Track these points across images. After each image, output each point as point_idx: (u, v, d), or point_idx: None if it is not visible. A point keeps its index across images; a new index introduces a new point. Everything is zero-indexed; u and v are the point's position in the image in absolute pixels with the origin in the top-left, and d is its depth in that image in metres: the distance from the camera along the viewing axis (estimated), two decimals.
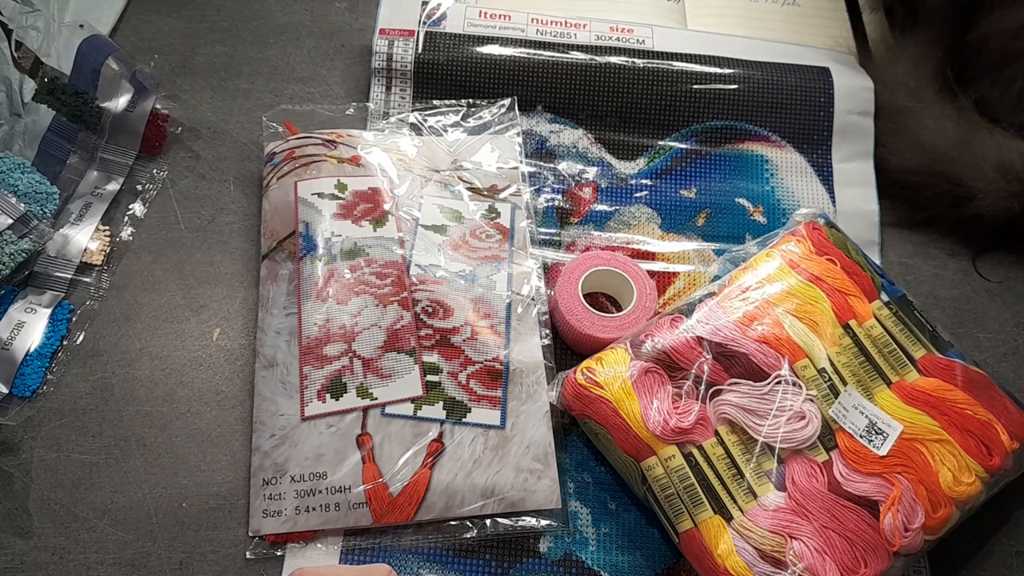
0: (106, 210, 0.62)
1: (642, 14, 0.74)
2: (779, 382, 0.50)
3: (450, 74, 0.67)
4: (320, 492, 0.50)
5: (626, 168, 0.67)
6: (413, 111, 0.67)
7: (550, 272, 0.61)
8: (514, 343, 0.56)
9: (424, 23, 0.69)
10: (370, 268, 0.57)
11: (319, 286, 0.56)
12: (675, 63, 0.68)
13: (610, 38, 0.70)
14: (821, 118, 0.68)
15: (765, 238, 0.59)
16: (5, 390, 0.54)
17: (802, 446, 0.49)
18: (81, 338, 0.57)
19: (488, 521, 0.51)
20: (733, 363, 0.51)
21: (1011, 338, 0.62)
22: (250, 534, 0.50)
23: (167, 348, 0.57)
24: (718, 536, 0.47)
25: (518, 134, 0.66)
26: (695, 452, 0.49)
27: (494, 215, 0.62)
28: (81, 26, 0.62)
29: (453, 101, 0.67)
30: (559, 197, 0.65)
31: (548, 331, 0.57)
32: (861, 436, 0.49)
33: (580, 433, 0.55)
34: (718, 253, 0.63)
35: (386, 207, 0.60)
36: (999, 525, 0.54)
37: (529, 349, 0.56)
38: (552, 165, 0.66)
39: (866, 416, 0.49)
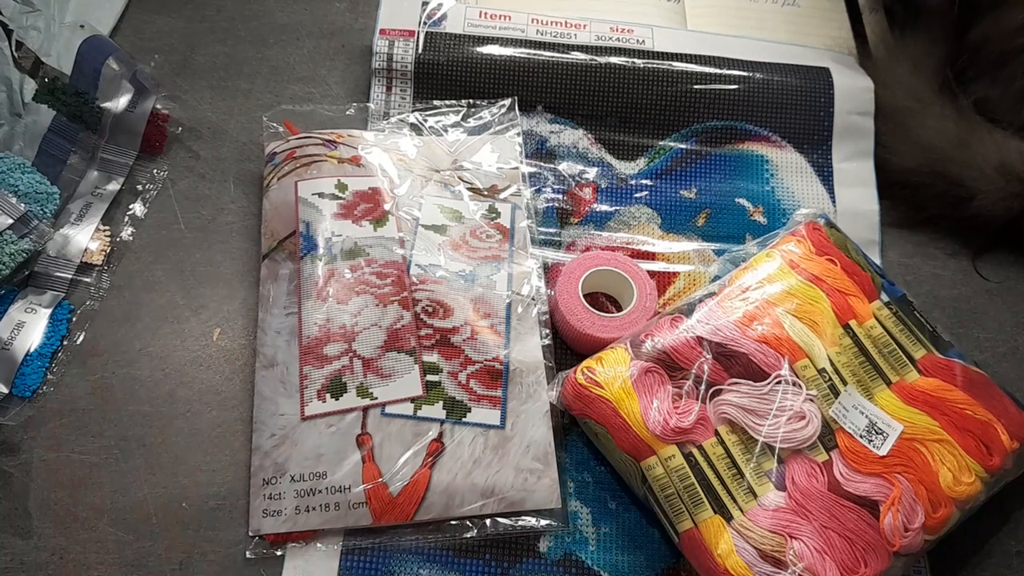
0: (106, 210, 0.62)
1: (642, 14, 0.74)
2: (779, 382, 0.50)
3: (450, 74, 0.67)
4: (320, 492, 0.50)
5: (626, 168, 0.67)
6: (413, 111, 0.67)
7: (550, 272, 0.61)
8: (514, 343, 0.56)
9: (424, 23, 0.69)
10: (370, 268, 0.57)
11: (319, 286, 0.56)
12: (675, 63, 0.68)
13: (610, 38, 0.70)
14: (821, 118, 0.68)
15: (765, 238, 0.59)
16: (5, 390, 0.54)
17: (802, 446, 0.49)
18: (81, 338, 0.57)
19: (488, 521, 0.51)
20: (733, 363, 0.51)
21: (1011, 338, 0.62)
22: (250, 534, 0.50)
23: (167, 348, 0.57)
24: (718, 536, 0.47)
25: (518, 134, 0.66)
26: (695, 452, 0.49)
27: (494, 215, 0.62)
28: (81, 26, 0.62)
29: (453, 101, 0.67)
30: (559, 197, 0.65)
31: (548, 331, 0.57)
32: (861, 436, 0.49)
33: (580, 433, 0.55)
34: (718, 253, 0.63)
35: (386, 207, 0.60)
36: (999, 525, 0.54)
37: (529, 349, 0.56)
38: (552, 165, 0.66)
39: (866, 416, 0.49)
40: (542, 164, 0.66)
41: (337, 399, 0.53)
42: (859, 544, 0.46)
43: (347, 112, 0.67)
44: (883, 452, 0.48)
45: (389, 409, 0.53)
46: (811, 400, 0.50)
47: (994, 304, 0.64)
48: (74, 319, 0.58)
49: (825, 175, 0.68)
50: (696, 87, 0.67)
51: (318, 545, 0.50)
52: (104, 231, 0.61)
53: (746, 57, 0.69)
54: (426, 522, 0.51)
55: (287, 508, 0.50)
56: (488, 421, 0.53)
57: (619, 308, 0.59)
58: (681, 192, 0.66)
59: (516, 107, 0.67)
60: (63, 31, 0.63)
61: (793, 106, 0.68)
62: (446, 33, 0.69)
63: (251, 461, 0.52)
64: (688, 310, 0.54)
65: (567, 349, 0.59)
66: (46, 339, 0.56)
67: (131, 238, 0.61)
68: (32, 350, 0.55)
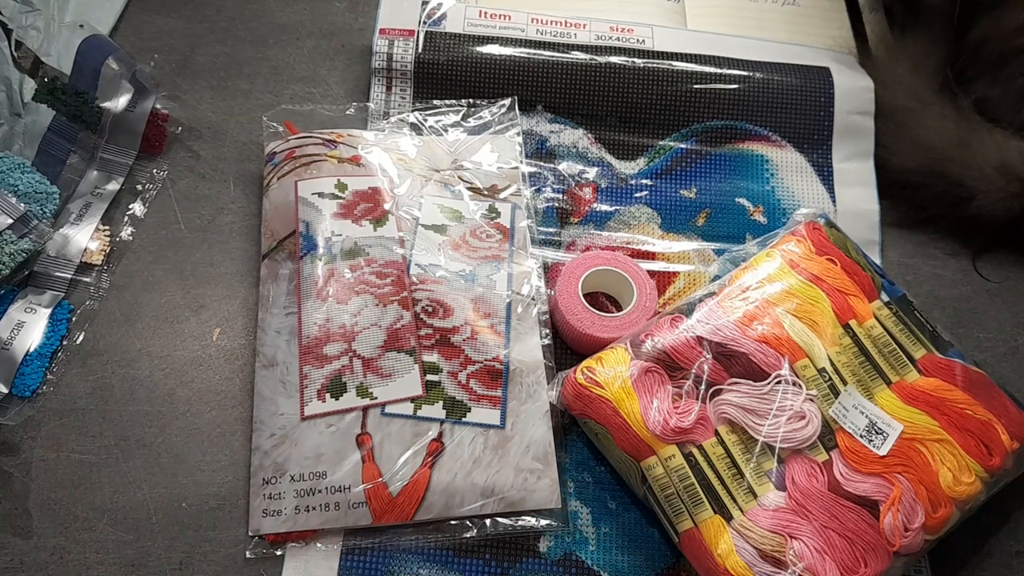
0: (106, 210, 0.62)
1: (642, 14, 0.74)
2: (779, 382, 0.50)
3: (450, 74, 0.67)
4: (320, 492, 0.50)
5: (626, 168, 0.67)
6: (413, 111, 0.67)
7: (550, 272, 0.61)
8: (514, 343, 0.56)
9: (424, 23, 0.69)
10: (370, 268, 0.57)
11: (319, 285, 0.56)
12: (675, 63, 0.68)
13: (610, 38, 0.70)
14: (821, 118, 0.68)
15: (765, 238, 0.59)
16: (5, 390, 0.53)
17: (802, 446, 0.49)
18: (81, 338, 0.57)
19: (488, 521, 0.51)
20: (733, 363, 0.51)
21: (1011, 338, 0.62)
22: (250, 534, 0.50)
23: (167, 348, 0.57)
24: (718, 536, 0.47)
25: (518, 134, 0.66)
26: (695, 452, 0.49)
27: (494, 215, 0.62)
28: (81, 26, 0.62)
29: (453, 101, 0.67)
30: (559, 197, 0.65)
31: (548, 331, 0.57)
32: (861, 436, 0.49)
33: (580, 433, 0.55)
34: (718, 253, 0.63)
35: (386, 207, 0.60)
36: (999, 525, 0.54)
37: (529, 349, 0.56)
38: (552, 165, 0.66)
39: (866, 416, 0.49)
40: (542, 164, 0.66)
41: (337, 399, 0.53)
42: (859, 544, 0.46)
43: (347, 112, 0.67)
44: (883, 452, 0.48)
45: (389, 409, 0.53)
46: (811, 400, 0.50)
47: (994, 304, 0.64)
48: (74, 319, 0.58)
49: (825, 175, 0.68)
50: (696, 87, 0.67)
51: (318, 545, 0.50)
52: (104, 231, 0.61)
53: (746, 57, 0.69)
54: (426, 522, 0.51)
55: (287, 508, 0.50)
56: (488, 421, 0.53)
57: (619, 308, 0.59)
58: (681, 192, 0.66)
59: (516, 107, 0.67)
60: (63, 31, 0.63)
61: (793, 106, 0.68)
62: (446, 33, 0.69)
63: (251, 461, 0.52)
64: (688, 310, 0.54)
65: (567, 349, 0.59)
66: (46, 339, 0.56)
67: (131, 238, 0.61)
68: (32, 350, 0.55)
